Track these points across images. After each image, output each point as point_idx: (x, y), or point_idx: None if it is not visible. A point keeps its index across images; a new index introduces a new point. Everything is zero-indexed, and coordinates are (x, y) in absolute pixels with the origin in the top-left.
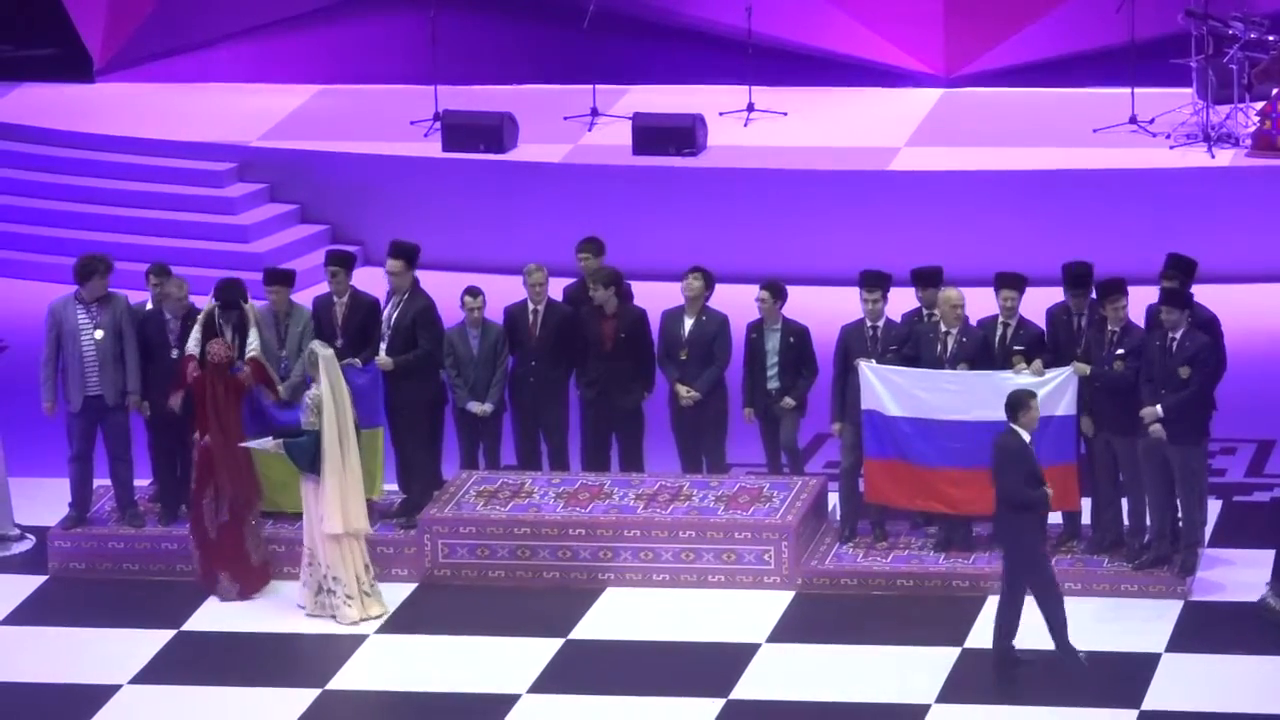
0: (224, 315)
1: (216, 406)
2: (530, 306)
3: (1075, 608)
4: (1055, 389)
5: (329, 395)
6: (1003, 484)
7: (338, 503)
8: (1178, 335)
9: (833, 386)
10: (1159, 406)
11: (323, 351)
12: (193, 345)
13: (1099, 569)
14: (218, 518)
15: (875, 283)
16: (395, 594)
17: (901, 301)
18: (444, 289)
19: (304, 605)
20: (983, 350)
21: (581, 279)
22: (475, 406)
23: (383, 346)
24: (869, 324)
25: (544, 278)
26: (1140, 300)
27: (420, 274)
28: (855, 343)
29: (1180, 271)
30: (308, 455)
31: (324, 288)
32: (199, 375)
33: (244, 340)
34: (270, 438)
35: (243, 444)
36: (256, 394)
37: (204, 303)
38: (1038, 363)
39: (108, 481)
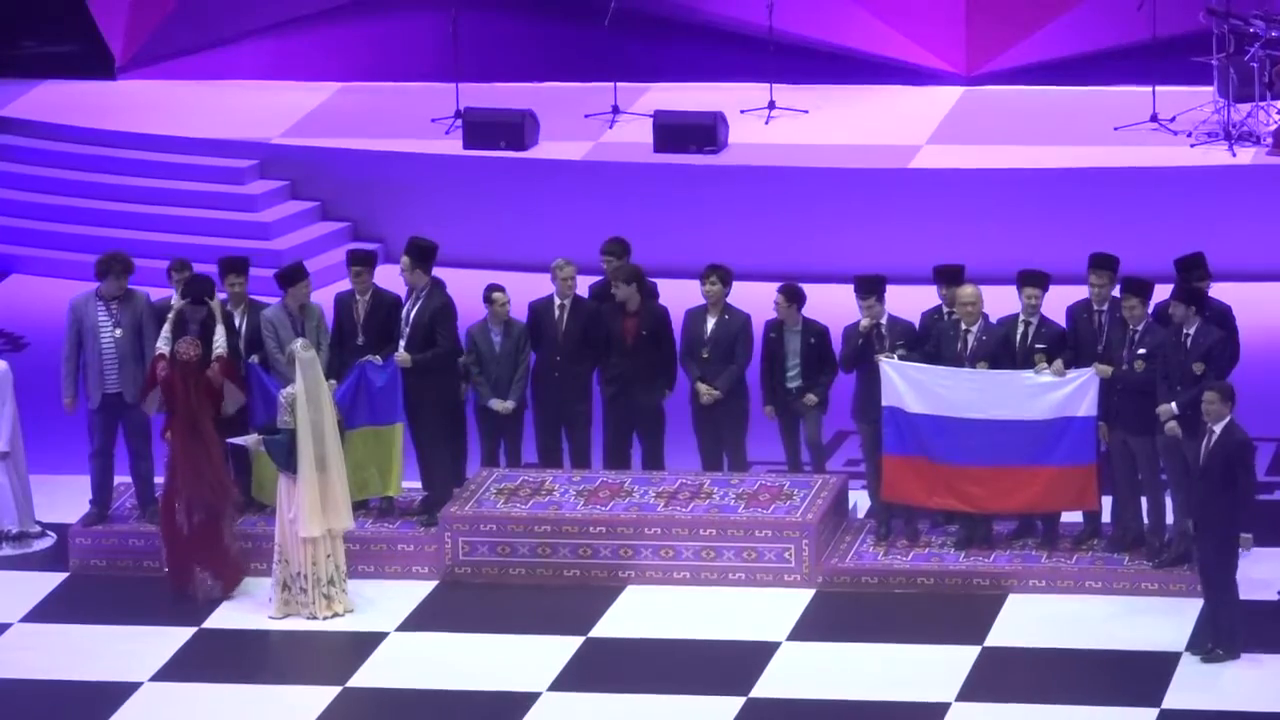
0: (192, 312)
1: (188, 407)
2: (557, 301)
3: (1096, 606)
4: (1076, 390)
5: (303, 395)
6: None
7: (312, 505)
8: (1191, 331)
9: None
10: (1174, 404)
11: (302, 353)
12: (162, 343)
13: (1119, 567)
14: (192, 516)
15: (869, 289)
16: (415, 592)
17: (924, 299)
18: (464, 286)
19: (271, 603)
20: (1003, 348)
21: (606, 277)
22: (497, 404)
23: (401, 343)
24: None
25: (573, 272)
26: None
27: (439, 271)
28: (862, 342)
29: (1193, 269)
30: (284, 452)
31: (345, 285)
32: (168, 374)
33: (203, 337)
34: (255, 434)
35: (229, 440)
36: (258, 372)
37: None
38: (1058, 363)
39: (129, 478)
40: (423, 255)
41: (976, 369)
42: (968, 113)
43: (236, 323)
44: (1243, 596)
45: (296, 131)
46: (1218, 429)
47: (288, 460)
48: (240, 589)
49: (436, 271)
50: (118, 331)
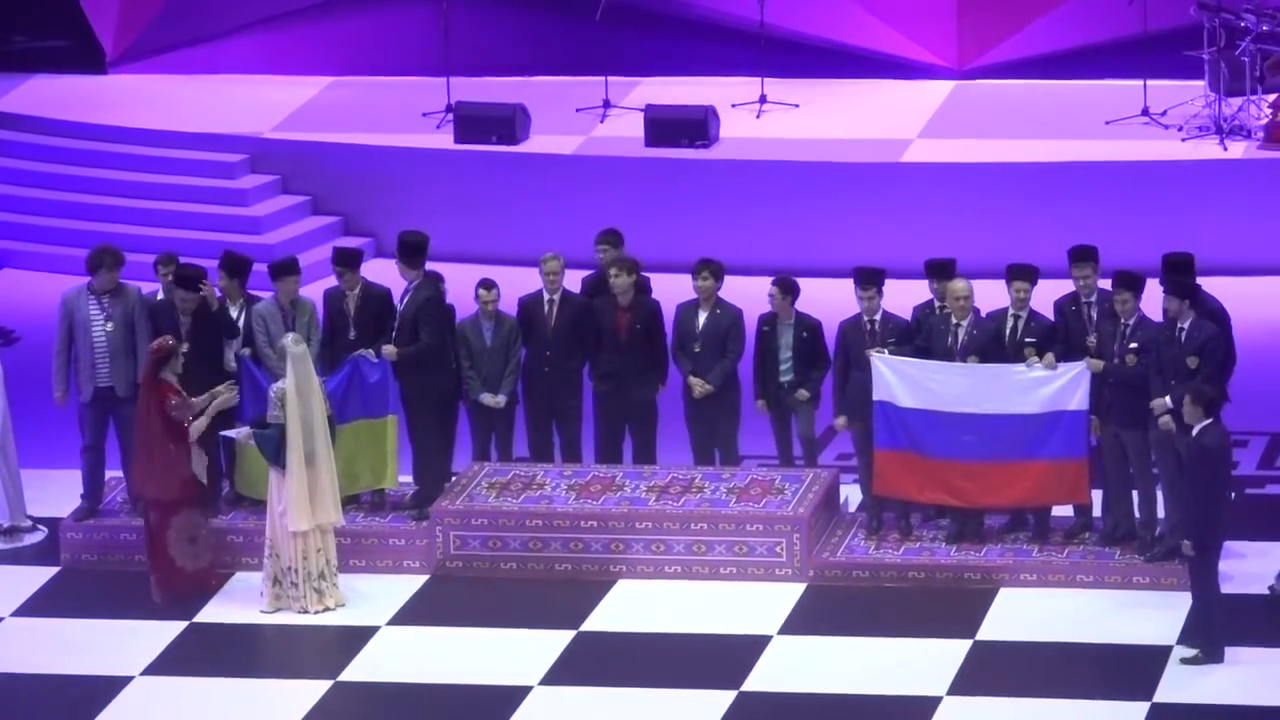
0: (183, 302)
1: (141, 406)
2: (546, 296)
3: (1088, 600)
4: (1068, 384)
5: (294, 390)
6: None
7: (301, 499)
8: (1185, 325)
9: (835, 383)
10: (1168, 398)
11: (293, 348)
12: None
13: (1110, 561)
14: (147, 515)
15: (870, 280)
16: (407, 586)
17: (915, 293)
18: (456, 280)
19: (262, 597)
20: (994, 342)
21: (599, 270)
22: (488, 398)
23: (392, 336)
24: (866, 319)
25: (560, 266)
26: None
27: (432, 265)
28: (854, 338)
29: (1181, 270)
30: (273, 447)
31: (334, 280)
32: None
33: (196, 330)
34: (247, 427)
35: (222, 432)
36: (250, 366)
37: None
38: (1049, 356)
39: (119, 473)
40: (410, 250)
41: (968, 363)
42: (959, 107)
43: (235, 316)
44: (1237, 590)
45: (287, 126)
46: (1196, 429)
47: (277, 455)
48: (228, 586)
49: (433, 267)
50: (109, 325)
